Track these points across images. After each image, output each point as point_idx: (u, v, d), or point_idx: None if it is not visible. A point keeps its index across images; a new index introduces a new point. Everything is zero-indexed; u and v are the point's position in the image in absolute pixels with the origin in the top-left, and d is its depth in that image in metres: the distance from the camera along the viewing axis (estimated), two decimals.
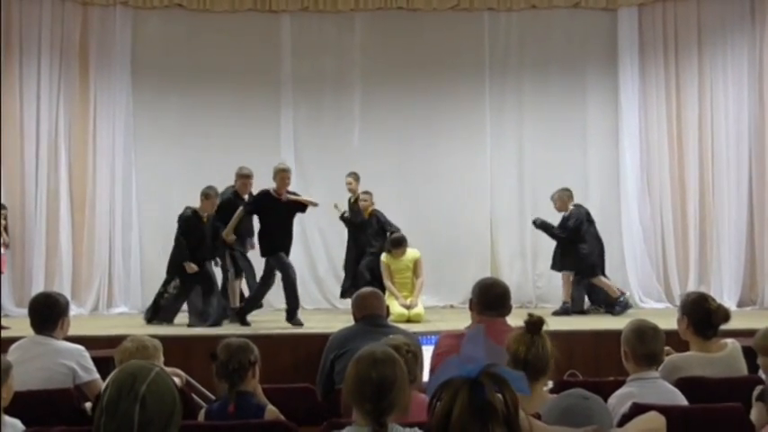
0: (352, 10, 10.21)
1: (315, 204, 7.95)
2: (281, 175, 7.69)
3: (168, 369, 4.04)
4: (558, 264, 8.93)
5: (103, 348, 5.29)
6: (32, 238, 9.49)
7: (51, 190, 9.67)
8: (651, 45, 10.09)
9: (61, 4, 9.79)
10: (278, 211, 7.65)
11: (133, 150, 10.08)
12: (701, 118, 9.88)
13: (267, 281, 7.85)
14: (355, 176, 9.13)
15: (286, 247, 7.73)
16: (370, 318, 4.47)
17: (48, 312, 4.13)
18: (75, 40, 9.84)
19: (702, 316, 3.79)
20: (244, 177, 8.25)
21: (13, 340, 4.23)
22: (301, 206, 7.85)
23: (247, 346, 3.50)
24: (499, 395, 1.68)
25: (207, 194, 8.04)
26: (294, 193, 7.89)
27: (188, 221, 8.05)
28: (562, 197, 8.93)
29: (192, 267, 7.86)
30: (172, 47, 10.18)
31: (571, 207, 8.89)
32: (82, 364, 4.02)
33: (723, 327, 3.84)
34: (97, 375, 4.02)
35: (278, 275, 7.81)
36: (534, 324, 2.98)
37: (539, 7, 10.23)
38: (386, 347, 2.59)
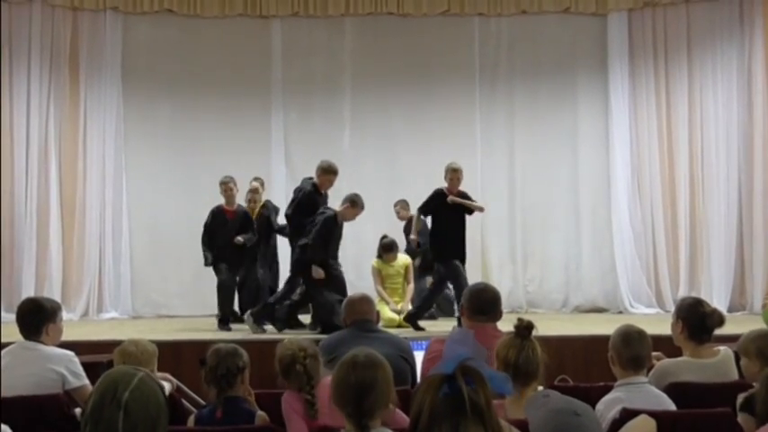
0: (343, 15, 10.22)
1: (480, 209, 7.88)
2: (452, 174, 7.68)
3: (159, 374, 4.04)
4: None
5: (93, 354, 5.27)
6: (22, 243, 9.45)
7: (41, 195, 9.64)
8: (641, 50, 10.12)
9: (51, 10, 9.78)
10: (448, 213, 7.59)
11: (123, 155, 10.06)
12: (690, 122, 9.92)
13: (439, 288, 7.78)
14: (261, 182, 8.94)
15: (459, 253, 7.62)
16: (361, 323, 4.44)
17: (30, 319, 4.07)
18: (65, 44, 9.83)
19: (697, 320, 3.80)
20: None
21: (3, 346, 4.19)
22: (467, 209, 7.77)
23: (236, 351, 3.49)
24: (473, 390, 1.65)
25: (325, 169, 7.58)
26: (466, 195, 7.80)
27: (310, 196, 7.44)
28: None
29: (319, 273, 7.25)
30: (162, 51, 10.17)
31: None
32: (71, 370, 3.98)
33: (714, 332, 3.85)
34: (87, 381, 3.99)
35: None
36: (524, 329, 2.99)
37: (529, 12, 10.25)
38: (369, 351, 2.62)
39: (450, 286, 7.92)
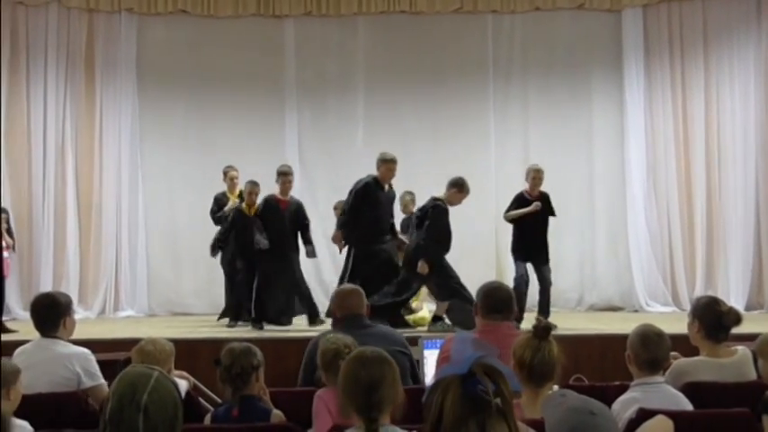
0: (355, 14, 10.24)
1: (533, 210, 7.71)
2: (534, 174, 7.75)
3: (175, 372, 4.06)
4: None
5: (110, 352, 5.31)
6: (40, 243, 9.54)
7: (58, 194, 9.73)
8: (656, 46, 10.06)
9: (67, 12, 9.85)
10: (529, 216, 7.64)
11: (139, 155, 10.14)
12: (707, 119, 9.84)
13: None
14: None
15: (537, 255, 7.68)
16: (352, 318, 4.25)
17: (48, 313, 4.08)
18: (80, 46, 9.91)
19: (713, 319, 3.75)
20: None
21: (20, 344, 4.23)
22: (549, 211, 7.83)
23: (250, 350, 3.50)
24: (493, 388, 1.64)
25: (386, 160, 7.48)
26: (546, 197, 7.82)
27: (366, 187, 7.42)
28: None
29: (424, 268, 7.20)
30: (176, 52, 10.23)
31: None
32: (86, 369, 3.99)
33: (731, 331, 3.82)
34: (102, 380, 3.99)
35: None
36: (542, 330, 2.97)
37: (542, 9, 10.22)
38: (374, 348, 2.66)
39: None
